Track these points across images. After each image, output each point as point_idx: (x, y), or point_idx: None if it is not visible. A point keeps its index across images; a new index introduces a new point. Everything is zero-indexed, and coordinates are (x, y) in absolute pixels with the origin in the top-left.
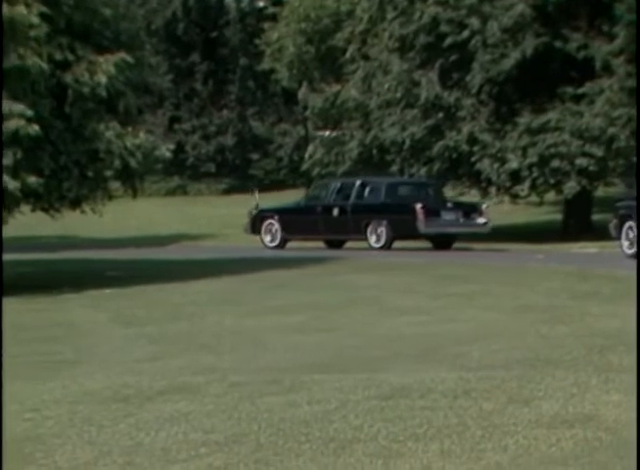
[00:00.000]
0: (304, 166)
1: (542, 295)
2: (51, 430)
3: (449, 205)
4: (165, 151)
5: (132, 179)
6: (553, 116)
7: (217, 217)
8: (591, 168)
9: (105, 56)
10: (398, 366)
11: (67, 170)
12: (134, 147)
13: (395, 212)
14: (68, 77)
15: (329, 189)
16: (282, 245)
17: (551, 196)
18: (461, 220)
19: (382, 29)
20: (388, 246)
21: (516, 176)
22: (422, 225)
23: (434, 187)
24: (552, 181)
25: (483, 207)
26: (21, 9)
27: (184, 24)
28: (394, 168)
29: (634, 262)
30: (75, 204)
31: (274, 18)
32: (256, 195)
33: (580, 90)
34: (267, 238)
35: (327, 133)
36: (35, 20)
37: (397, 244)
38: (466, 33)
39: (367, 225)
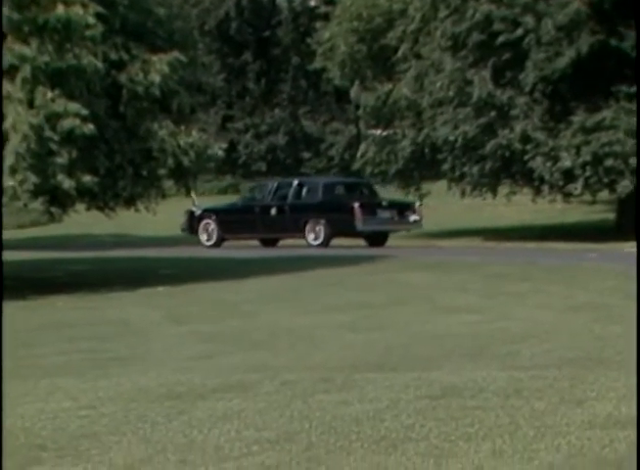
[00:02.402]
0: (356, 166)
1: (595, 294)
2: (106, 427)
3: (384, 203)
4: (218, 150)
5: (185, 178)
6: (607, 114)
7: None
8: None
9: (158, 55)
10: (450, 365)
11: (121, 169)
12: (187, 146)
13: (333, 211)
14: (122, 77)
15: (266, 189)
16: (218, 244)
17: (604, 195)
18: (395, 218)
19: (434, 28)
20: (326, 243)
21: (569, 175)
22: (359, 223)
23: (368, 186)
24: (605, 180)
25: (417, 205)
26: (77, 9)
27: (237, 24)
28: (446, 167)
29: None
30: (130, 202)
31: (326, 17)
32: (194, 195)
33: (634, 89)
34: (204, 237)
35: (379, 132)
36: (91, 20)
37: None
38: (520, 31)
39: (305, 224)
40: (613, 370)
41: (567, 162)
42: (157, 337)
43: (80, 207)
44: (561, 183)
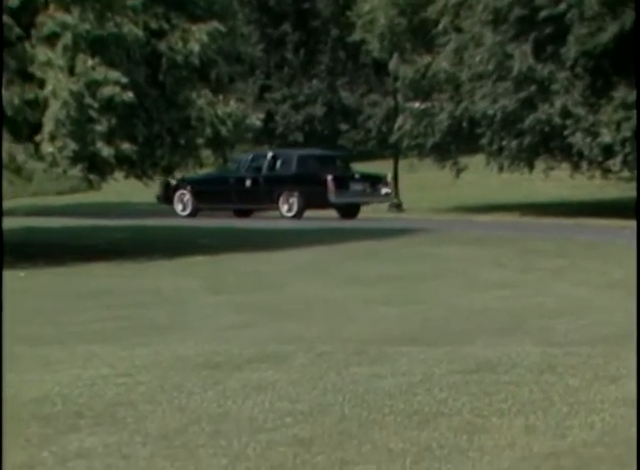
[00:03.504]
0: (393, 138)
1: (629, 271)
2: (142, 395)
3: (357, 176)
4: (255, 120)
5: (223, 147)
6: None
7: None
8: None
9: (198, 25)
10: (483, 340)
11: (159, 138)
12: (225, 115)
13: (307, 183)
14: (162, 46)
15: (241, 161)
16: (194, 214)
17: None
18: (367, 191)
19: (476, 2)
20: (299, 215)
21: (608, 151)
22: (332, 195)
23: (342, 159)
24: None
25: (388, 178)
26: None
27: None
28: (484, 141)
29: None
30: (168, 171)
31: None
32: None
33: None
34: (179, 207)
35: (417, 105)
36: None
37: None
38: (562, 6)
39: (279, 195)
40: None
41: (606, 137)
42: (194, 306)
43: (119, 175)
44: (600, 159)
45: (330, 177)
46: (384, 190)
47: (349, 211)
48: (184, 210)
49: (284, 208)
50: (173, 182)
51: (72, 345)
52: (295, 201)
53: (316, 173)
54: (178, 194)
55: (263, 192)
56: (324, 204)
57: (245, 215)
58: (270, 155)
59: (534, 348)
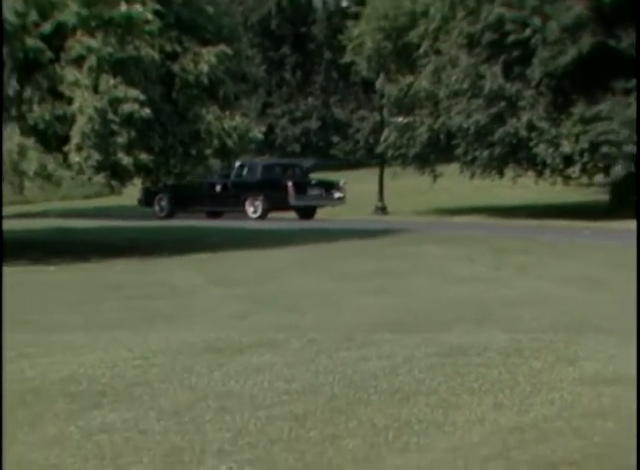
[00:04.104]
0: (379, 149)
1: (587, 266)
2: (157, 376)
3: (314, 182)
4: (258, 133)
5: (229, 157)
6: (604, 107)
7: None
8: (637, 154)
9: (207, 48)
10: (458, 327)
11: (173, 149)
12: (231, 129)
13: (270, 189)
14: (175, 67)
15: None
16: (170, 215)
17: (599, 178)
18: (323, 195)
19: (452, 27)
20: (263, 216)
21: (568, 160)
22: (292, 199)
23: (301, 168)
24: (600, 165)
25: (341, 184)
26: (137, 7)
27: (277, 21)
28: (459, 152)
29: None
30: (180, 178)
31: (356, 16)
32: None
33: (630, 84)
34: (158, 209)
35: (400, 119)
36: (149, 16)
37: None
38: (528, 32)
39: (246, 199)
40: (601, 333)
41: (567, 148)
42: (201, 297)
43: (137, 181)
44: (561, 167)
45: (290, 183)
46: (337, 194)
47: (307, 212)
48: (162, 211)
49: (250, 210)
50: (153, 187)
51: (95, 331)
52: (259, 204)
53: (278, 180)
54: (157, 198)
55: (232, 196)
56: (285, 206)
57: (216, 216)
58: (238, 164)
59: (502, 334)
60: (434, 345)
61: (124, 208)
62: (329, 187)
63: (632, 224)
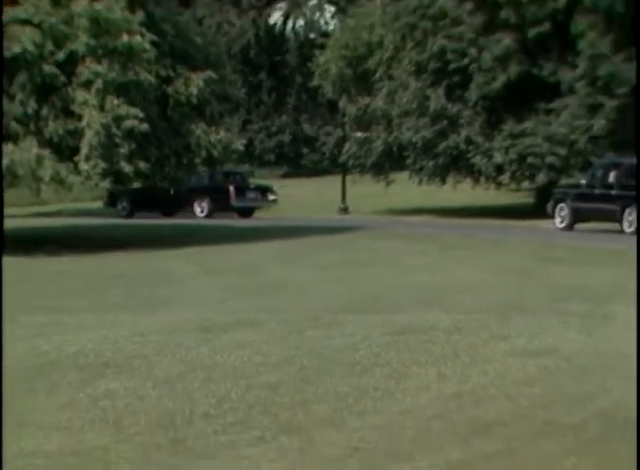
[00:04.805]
0: (342, 159)
1: (517, 259)
2: (152, 350)
3: (252, 186)
4: (239, 145)
5: (214, 166)
6: (529, 124)
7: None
8: (557, 164)
9: (196, 73)
10: (409, 310)
11: (167, 158)
12: (216, 141)
13: (215, 192)
14: (169, 89)
15: None
16: (131, 215)
17: (526, 184)
18: (259, 198)
19: (403, 56)
20: (209, 216)
21: (500, 169)
22: (233, 201)
23: (241, 174)
24: (527, 173)
25: (274, 188)
26: (137, 38)
27: (255, 51)
28: (409, 162)
29: (569, 234)
30: (173, 183)
31: (322, 46)
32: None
33: (550, 106)
34: (120, 208)
35: (359, 134)
36: (147, 46)
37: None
38: (466, 60)
39: (194, 201)
40: (528, 314)
41: (498, 159)
42: (191, 285)
43: (137, 185)
44: (494, 175)
45: (232, 187)
46: (271, 197)
47: (246, 212)
48: (123, 211)
49: (197, 210)
50: (116, 191)
51: (101, 313)
52: (205, 205)
53: (221, 185)
54: (120, 200)
55: (183, 198)
56: (227, 207)
57: (169, 215)
58: None
59: (445, 315)
60: (388, 324)
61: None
62: (264, 191)
63: (552, 224)
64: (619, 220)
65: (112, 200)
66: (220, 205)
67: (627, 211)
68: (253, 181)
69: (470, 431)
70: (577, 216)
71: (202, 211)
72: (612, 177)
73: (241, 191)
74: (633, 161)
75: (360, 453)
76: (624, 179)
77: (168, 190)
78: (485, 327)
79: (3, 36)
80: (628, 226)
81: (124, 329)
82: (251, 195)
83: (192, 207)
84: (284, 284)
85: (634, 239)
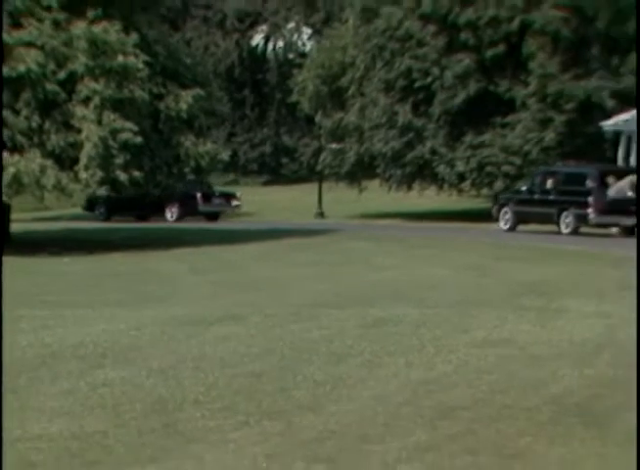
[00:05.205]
0: (318, 168)
1: (476, 257)
2: (147, 342)
3: (217, 193)
4: (225, 155)
5: (202, 174)
6: (487, 137)
7: (260, 201)
8: (512, 173)
9: (186, 90)
10: (379, 304)
11: (159, 168)
12: (204, 152)
13: (183, 198)
14: (161, 105)
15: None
16: (108, 219)
17: (485, 191)
18: (224, 203)
19: (373, 75)
20: (180, 220)
21: (461, 177)
22: (200, 206)
23: (208, 183)
24: (486, 181)
25: (238, 195)
26: (132, 58)
27: (239, 70)
28: (379, 170)
29: (513, 234)
30: (165, 190)
31: (300, 66)
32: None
33: (506, 120)
34: (98, 213)
35: (334, 145)
36: (141, 66)
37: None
38: (430, 79)
39: (165, 207)
40: (488, 308)
41: (460, 168)
42: (181, 283)
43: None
44: (456, 182)
45: (199, 194)
46: (234, 203)
47: (212, 216)
48: (101, 215)
49: (168, 215)
50: (94, 196)
51: (99, 308)
52: (175, 210)
53: (189, 192)
54: (97, 205)
55: (154, 204)
56: (195, 212)
57: (142, 219)
58: None
59: (413, 309)
60: (360, 318)
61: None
62: (228, 197)
63: (498, 226)
64: (557, 223)
65: (90, 205)
66: (189, 210)
67: (564, 214)
68: (218, 189)
69: (435, 415)
70: (519, 219)
71: (172, 216)
72: (549, 184)
73: (207, 197)
74: (569, 169)
75: (336, 436)
76: (561, 186)
77: (141, 196)
78: (449, 320)
79: (4, 56)
80: (565, 227)
81: (121, 323)
82: (216, 201)
83: (163, 212)
84: (266, 281)
85: (571, 238)
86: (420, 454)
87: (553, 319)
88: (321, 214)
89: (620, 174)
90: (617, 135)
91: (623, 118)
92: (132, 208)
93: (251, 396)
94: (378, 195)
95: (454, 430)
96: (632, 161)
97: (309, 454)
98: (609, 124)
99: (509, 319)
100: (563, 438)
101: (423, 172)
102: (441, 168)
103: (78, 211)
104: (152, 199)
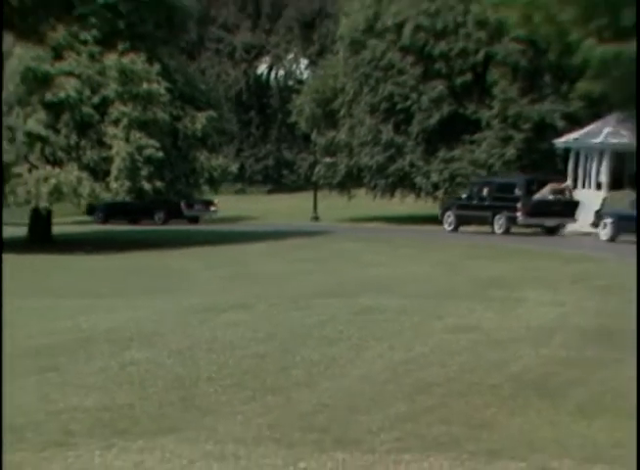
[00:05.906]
0: (314, 179)
1: (451, 256)
2: (165, 328)
3: (198, 200)
4: (234, 168)
5: (215, 184)
6: (458, 152)
7: (264, 208)
8: None
9: (201, 113)
10: (367, 295)
11: (178, 179)
12: (216, 166)
13: (169, 205)
14: (179, 125)
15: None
16: (105, 222)
17: None
18: (203, 209)
19: (360, 99)
20: (165, 223)
21: (436, 186)
22: (185, 211)
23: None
24: (457, 190)
25: (215, 201)
26: (155, 85)
27: (246, 95)
28: (366, 181)
29: (455, 234)
30: (185, 197)
31: (298, 91)
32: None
33: (473, 137)
34: (96, 217)
35: (328, 159)
36: (163, 91)
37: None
38: (409, 102)
39: (154, 212)
40: (459, 299)
41: (435, 178)
42: (196, 276)
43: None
44: (431, 191)
45: (182, 201)
46: (212, 208)
47: (194, 220)
48: (99, 219)
49: (156, 218)
50: (95, 203)
51: (124, 298)
52: (162, 215)
53: (174, 199)
54: (97, 210)
55: (145, 210)
56: (179, 216)
57: (134, 223)
58: None
59: (395, 300)
60: (350, 306)
61: None
62: (207, 204)
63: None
64: (491, 224)
65: (90, 210)
66: (173, 214)
67: (497, 217)
68: (199, 197)
69: (414, 390)
70: (460, 221)
71: (159, 219)
72: (485, 192)
73: (189, 204)
74: (501, 179)
75: (329, 409)
76: (494, 193)
77: (134, 203)
78: (426, 309)
79: (48, 84)
80: (498, 228)
81: (145, 311)
82: (197, 207)
83: (152, 216)
84: (270, 275)
85: (504, 238)
86: (400, 424)
87: (514, 308)
88: (316, 218)
89: (543, 183)
90: (566, 151)
91: (573, 137)
92: (126, 212)
93: (256, 374)
94: (365, 201)
95: (430, 403)
96: (579, 172)
97: (306, 425)
98: (560, 142)
99: (476, 308)
100: (522, 409)
101: (403, 182)
102: (419, 179)
103: (77, 215)
104: (142, 205)
